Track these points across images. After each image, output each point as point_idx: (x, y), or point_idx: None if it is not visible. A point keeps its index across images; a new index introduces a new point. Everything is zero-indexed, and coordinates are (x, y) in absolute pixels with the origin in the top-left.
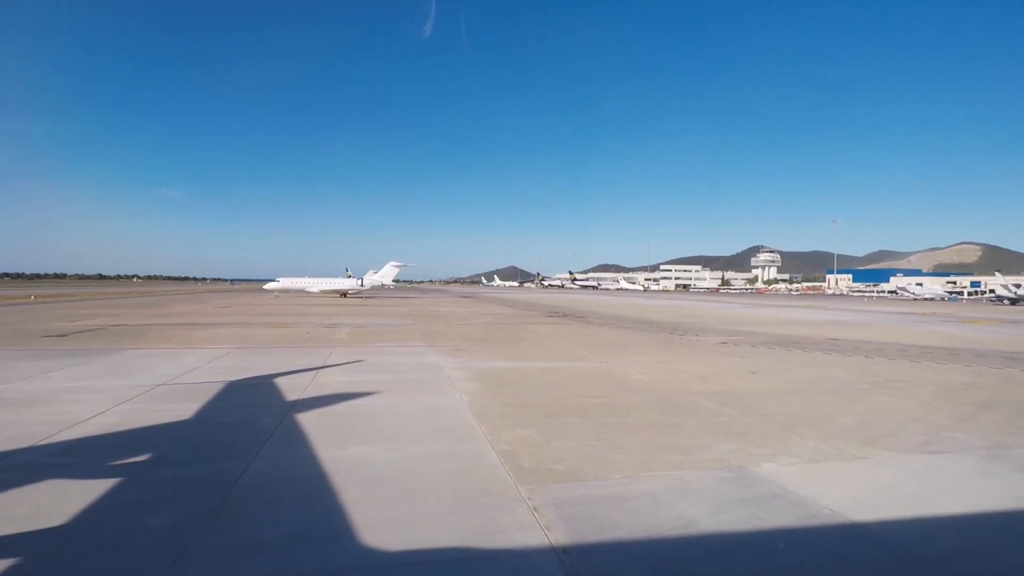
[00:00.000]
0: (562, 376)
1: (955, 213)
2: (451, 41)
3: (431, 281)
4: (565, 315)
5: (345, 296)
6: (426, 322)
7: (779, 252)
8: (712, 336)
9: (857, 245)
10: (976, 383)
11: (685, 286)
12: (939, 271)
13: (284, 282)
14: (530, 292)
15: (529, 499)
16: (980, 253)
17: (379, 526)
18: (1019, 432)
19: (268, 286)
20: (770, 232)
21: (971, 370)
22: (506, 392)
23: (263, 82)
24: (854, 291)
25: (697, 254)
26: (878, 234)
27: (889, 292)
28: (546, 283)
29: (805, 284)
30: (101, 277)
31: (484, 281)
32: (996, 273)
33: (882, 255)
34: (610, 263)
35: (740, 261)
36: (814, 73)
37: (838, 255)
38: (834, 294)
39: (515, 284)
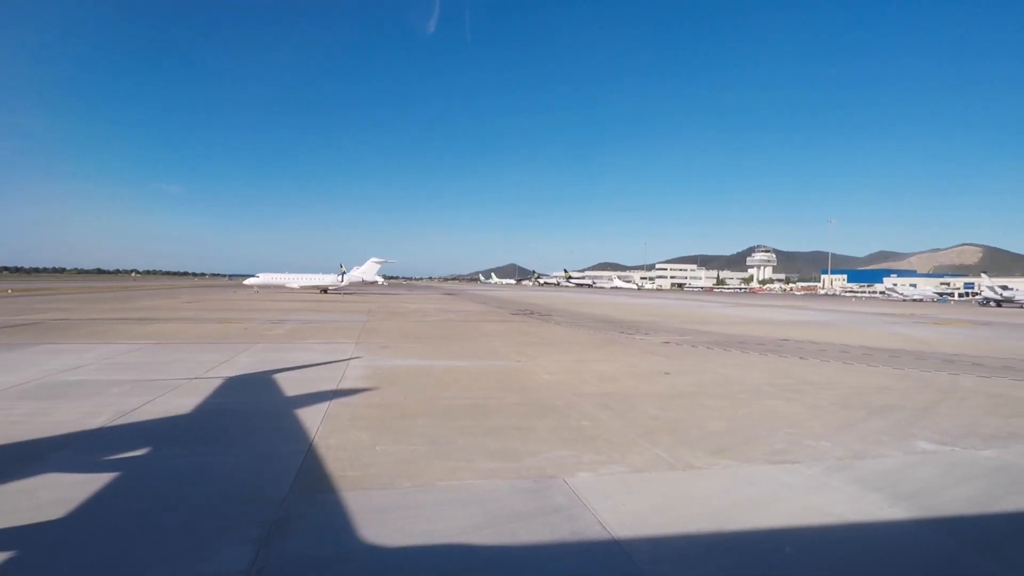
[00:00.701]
0: (463, 375)
1: (957, 215)
2: (455, 37)
3: (430, 278)
4: (531, 313)
5: (326, 292)
6: (381, 319)
7: (780, 252)
8: (660, 335)
9: (858, 246)
10: (890, 387)
11: (680, 285)
12: (939, 272)
13: (264, 277)
14: (522, 290)
15: (285, 509)
16: (981, 255)
17: (101, 540)
18: (891, 441)
19: (248, 281)
20: (771, 232)
21: (898, 373)
22: (387, 392)
23: (264, 77)
24: (847, 291)
25: (698, 253)
26: (879, 235)
27: (879, 293)
28: (542, 281)
29: (801, 284)
30: (100, 272)
31: (482, 279)
32: (982, 275)
33: (883, 256)
34: (610, 261)
35: (740, 260)
36: (817, 72)
37: (839, 256)
38: (827, 294)
39: (512, 282)
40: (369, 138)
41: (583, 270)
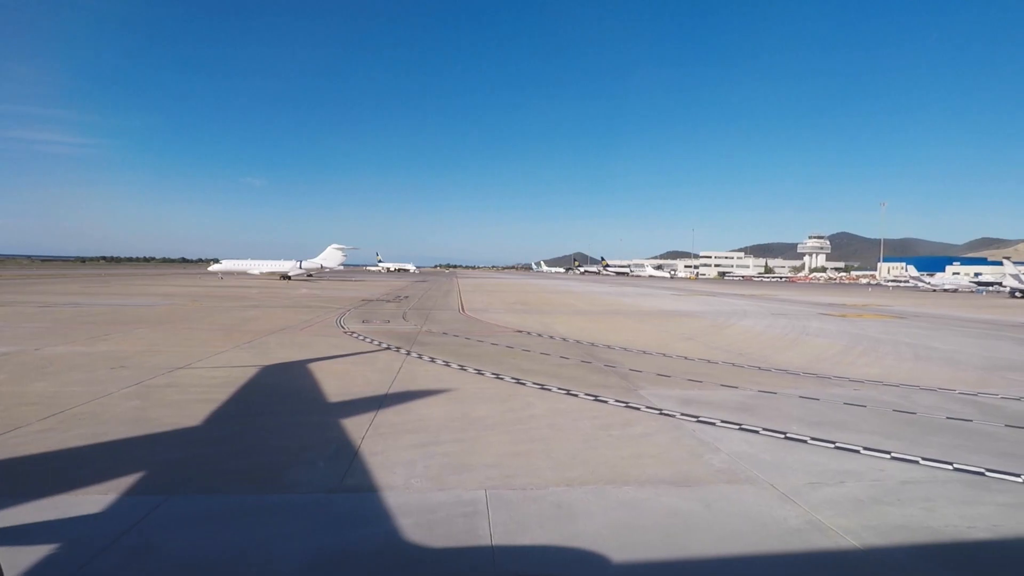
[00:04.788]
0: None
1: None
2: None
3: (494, 267)
4: (395, 300)
5: (288, 279)
6: (212, 302)
7: (866, 239)
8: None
9: (957, 233)
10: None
11: (723, 274)
12: None
13: (227, 264)
14: (543, 278)
15: None
16: None
17: None
18: None
19: (212, 268)
20: (857, 219)
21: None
22: None
23: (329, 72)
24: (889, 281)
25: (774, 241)
26: (983, 220)
27: (903, 282)
28: (583, 270)
29: (855, 273)
30: (184, 260)
31: (533, 267)
32: (1004, 260)
33: (985, 243)
34: (679, 250)
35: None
36: (905, 49)
37: (935, 243)
38: (867, 284)
39: (561, 270)
40: (444, 130)
41: (635, 259)
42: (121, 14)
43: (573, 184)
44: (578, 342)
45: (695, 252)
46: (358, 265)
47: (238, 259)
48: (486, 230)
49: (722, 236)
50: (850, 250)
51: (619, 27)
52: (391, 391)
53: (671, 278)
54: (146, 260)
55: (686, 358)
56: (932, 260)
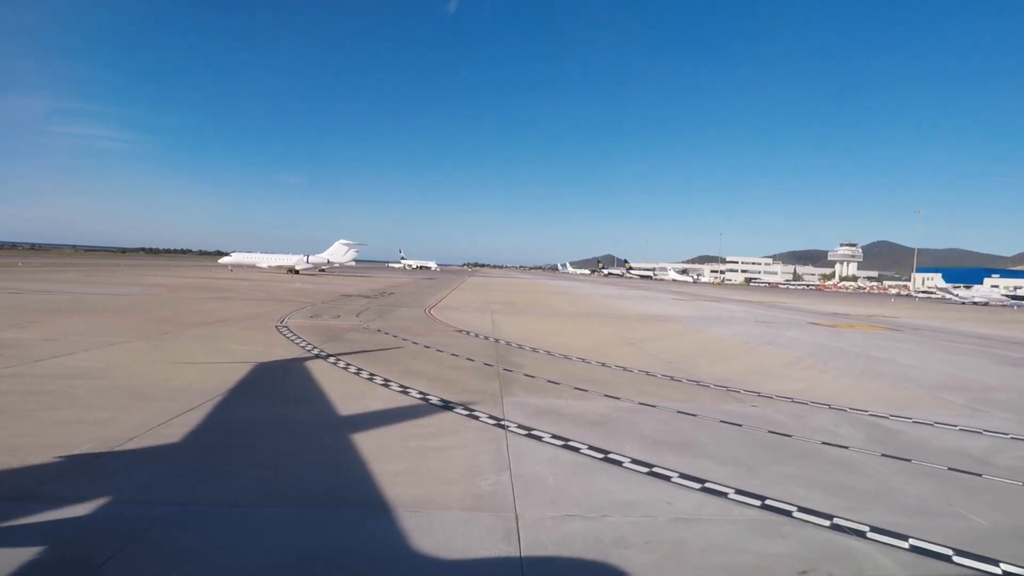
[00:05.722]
0: None
1: None
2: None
3: (520, 267)
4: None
5: (296, 272)
6: (188, 292)
7: (907, 248)
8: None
9: (1008, 244)
10: None
11: (749, 280)
12: None
13: (237, 257)
14: (564, 279)
15: None
16: None
17: None
18: None
19: (222, 260)
20: (901, 227)
21: None
22: None
23: (360, 72)
24: (920, 292)
25: (812, 248)
26: None
27: (929, 293)
28: (605, 272)
29: (887, 283)
30: (219, 252)
31: (559, 268)
32: None
33: None
34: (709, 254)
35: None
36: (954, 49)
37: (983, 254)
38: (895, 295)
39: (586, 272)
40: (485, 131)
41: (681, 262)
42: (162, 14)
43: (605, 186)
44: (508, 344)
45: (722, 257)
46: (382, 261)
47: (250, 252)
48: (516, 230)
49: (757, 242)
50: (890, 259)
51: (655, 28)
52: (234, 389)
53: (693, 282)
54: (183, 252)
55: (604, 364)
56: (971, 271)
